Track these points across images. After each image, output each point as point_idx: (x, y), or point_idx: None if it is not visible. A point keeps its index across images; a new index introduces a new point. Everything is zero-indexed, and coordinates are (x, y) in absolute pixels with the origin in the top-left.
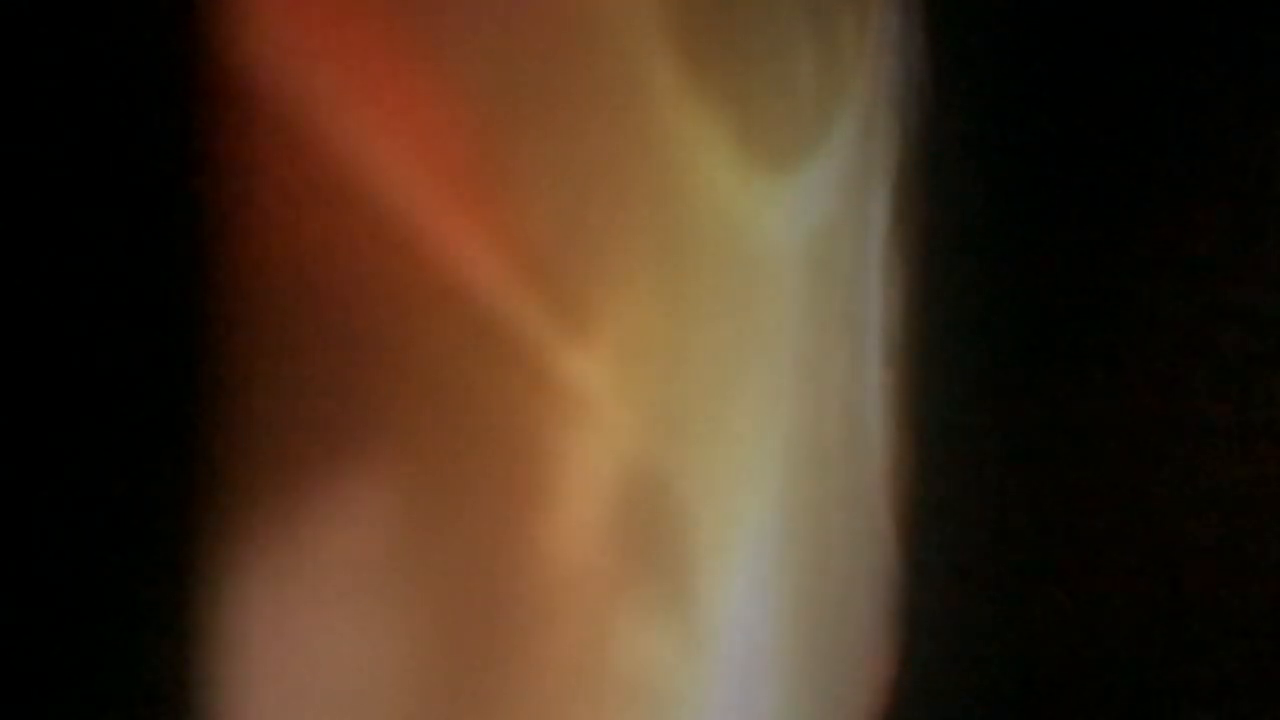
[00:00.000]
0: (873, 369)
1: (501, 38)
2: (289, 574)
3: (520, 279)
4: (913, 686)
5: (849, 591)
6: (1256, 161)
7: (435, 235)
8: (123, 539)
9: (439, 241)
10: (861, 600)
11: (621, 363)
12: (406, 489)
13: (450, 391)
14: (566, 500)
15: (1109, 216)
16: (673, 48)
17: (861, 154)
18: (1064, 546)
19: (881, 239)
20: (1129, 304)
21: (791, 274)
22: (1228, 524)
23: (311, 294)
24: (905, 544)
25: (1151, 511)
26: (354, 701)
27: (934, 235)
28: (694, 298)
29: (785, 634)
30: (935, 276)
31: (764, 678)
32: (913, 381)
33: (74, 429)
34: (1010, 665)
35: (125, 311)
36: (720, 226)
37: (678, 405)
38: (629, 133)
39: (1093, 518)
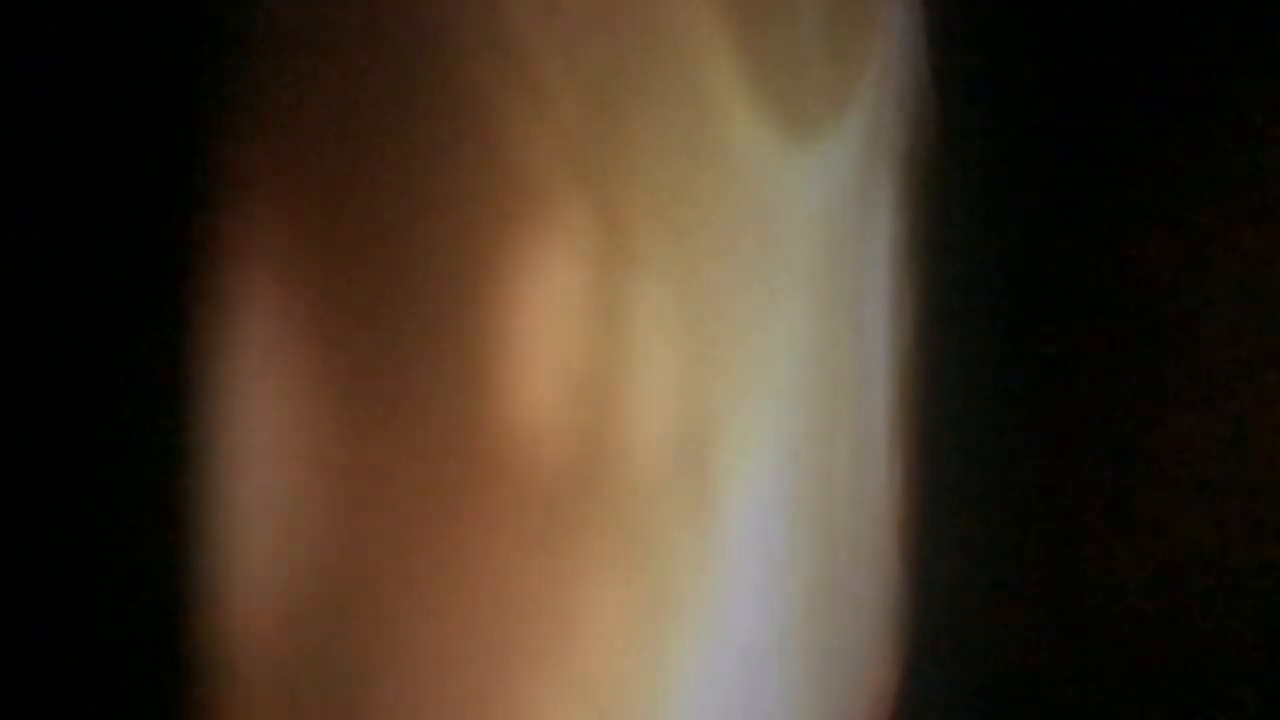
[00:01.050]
0: (878, 354)
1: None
2: (275, 370)
3: (557, 149)
4: (914, 692)
5: (854, 561)
6: (1256, 166)
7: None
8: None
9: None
10: (866, 582)
11: (649, 263)
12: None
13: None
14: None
15: (1102, 218)
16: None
17: (869, 141)
18: (1062, 551)
19: (886, 226)
20: (1125, 305)
21: (804, 236)
22: (1220, 535)
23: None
24: (907, 533)
25: (1152, 523)
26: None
27: (935, 228)
28: (718, 234)
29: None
30: (935, 274)
31: (775, 602)
32: (915, 376)
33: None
34: (1009, 671)
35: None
36: (743, 177)
37: (703, 320)
38: (667, 73)
39: (1094, 523)
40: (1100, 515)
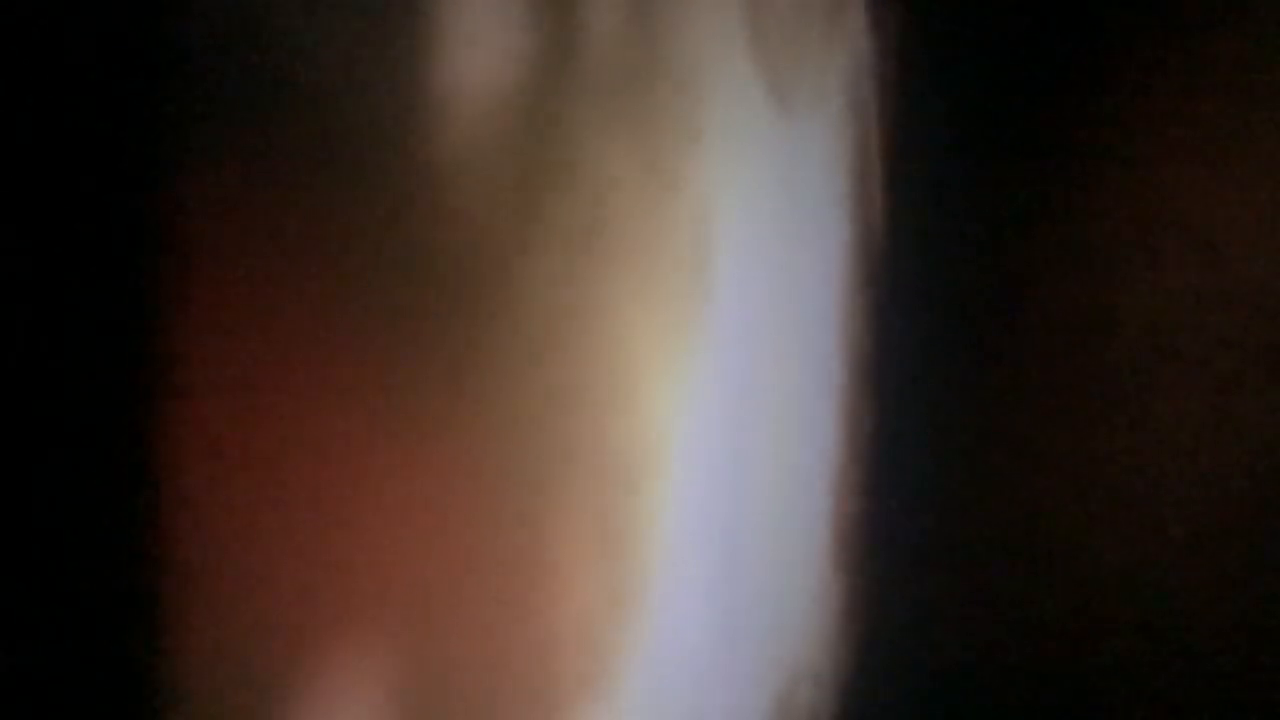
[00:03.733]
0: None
1: None
2: None
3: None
4: (843, 697)
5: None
6: (1166, 176)
7: None
8: None
9: None
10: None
11: None
12: None
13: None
14: None
15: (1012, 228)
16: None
17: (826, 129)
18: (975, 561)
19: (843, 219)
20: (1038, 314)
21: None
22: (1132, 546)
23: None
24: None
25: (1065, 533)
26: None
27: (889, 236)
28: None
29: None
30: (871, 280)
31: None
32: (863, 375)
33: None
34: (930, 677)
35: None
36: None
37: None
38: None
39: (1009, 534)
40: (1015, 526)
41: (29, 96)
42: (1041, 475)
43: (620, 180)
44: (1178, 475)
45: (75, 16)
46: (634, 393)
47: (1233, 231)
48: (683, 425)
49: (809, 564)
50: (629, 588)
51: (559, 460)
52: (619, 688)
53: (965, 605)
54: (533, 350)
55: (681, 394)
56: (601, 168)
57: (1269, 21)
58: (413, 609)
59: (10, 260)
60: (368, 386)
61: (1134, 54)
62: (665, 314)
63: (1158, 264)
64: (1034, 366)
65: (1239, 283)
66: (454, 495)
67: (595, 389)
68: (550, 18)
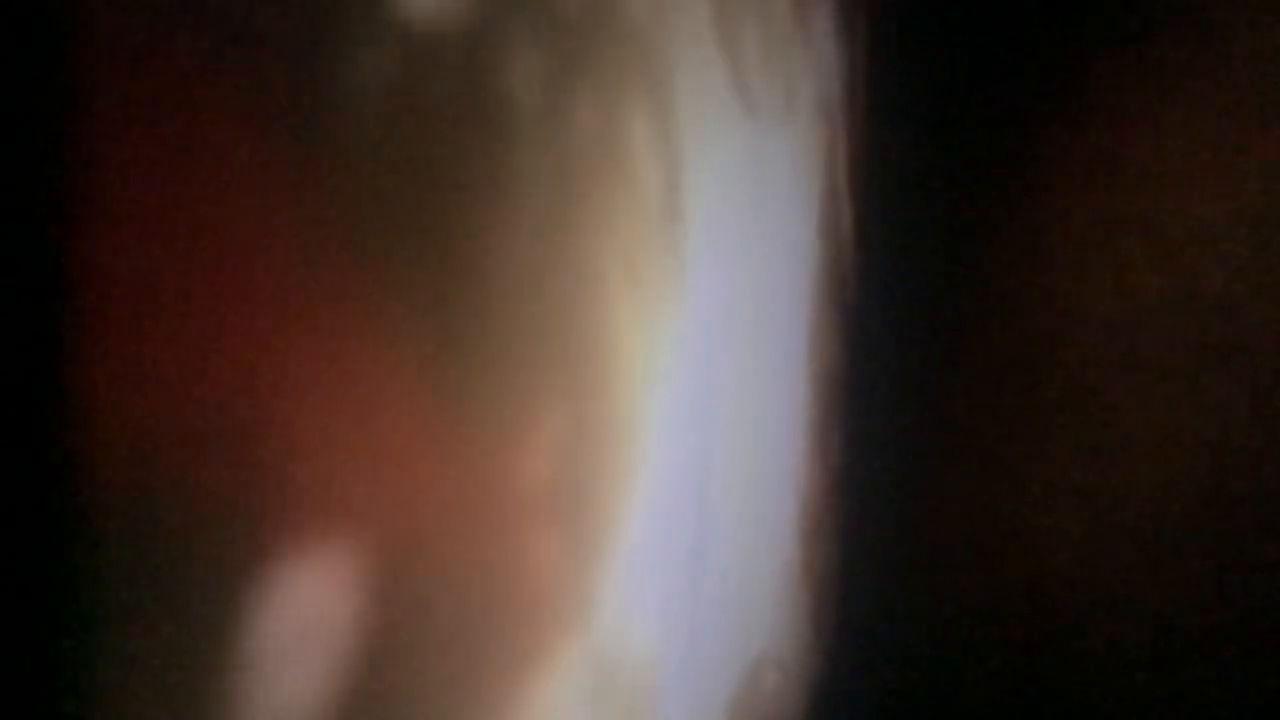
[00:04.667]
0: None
1: None
2: None
3: None
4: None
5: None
6: (1128, 176)
7: None
8: None
9: None
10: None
11: None
12: None
13: None
14: None
15: (972, 227)
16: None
17: (794, 130)
18: (936, 558)
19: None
20: (995, 313)
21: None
22: (1089, 543)
23: None
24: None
25: (1022, 532)
26: None
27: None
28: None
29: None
30: (835, 277)
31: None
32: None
33: None
34: (889, 677)
35: None
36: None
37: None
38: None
39: (967, 532)
40: (979, 523)
41: None
42: (1005, 473)
43: (582, 144)
44: (1139, 475)
45: None
46: (607, 373)
47: (1193, 235)
48: (650, 418)
49: (775, 557)
50: (592, 580)
51: (526, 414)
52: (575, 673)
53: (930, 600)
54: (497, 303)
55: (650, 386)
56: (561, 127)
57: (1236, 31)
58: (370, 517)
59: None
60: (318, 261)
61: (1101, 60)
62: (638, 290)
63: (1120, 267)
64: (998, 367)
65: (1199, 285)
66: (422, 412)
67: (566, 379)
68: None
